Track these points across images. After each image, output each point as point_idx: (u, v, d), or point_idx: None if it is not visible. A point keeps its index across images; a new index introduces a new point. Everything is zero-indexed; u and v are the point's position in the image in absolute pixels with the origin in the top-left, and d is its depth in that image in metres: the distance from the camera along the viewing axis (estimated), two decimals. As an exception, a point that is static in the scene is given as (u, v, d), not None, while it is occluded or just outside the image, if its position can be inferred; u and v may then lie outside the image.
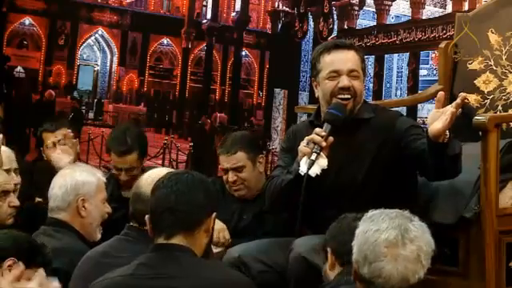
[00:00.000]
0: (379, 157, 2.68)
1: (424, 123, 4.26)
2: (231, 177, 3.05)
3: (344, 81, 2.71)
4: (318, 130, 2.60)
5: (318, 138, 2.57)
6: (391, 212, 1.95)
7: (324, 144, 2.56)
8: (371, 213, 1.98)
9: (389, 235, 1.89)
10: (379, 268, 1.87)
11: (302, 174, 2.54)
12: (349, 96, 2.71)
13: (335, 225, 2.37)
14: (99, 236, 2.76)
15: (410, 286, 1.88)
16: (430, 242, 1.93)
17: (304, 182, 2.54)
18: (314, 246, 2.54)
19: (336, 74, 2.72)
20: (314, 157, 2.55)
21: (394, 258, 1.87)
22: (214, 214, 2.17)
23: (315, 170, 2.55)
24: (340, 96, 2.71)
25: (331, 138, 2.58)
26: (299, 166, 2.58)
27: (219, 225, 2.86)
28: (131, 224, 2.47)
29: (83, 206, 2.68)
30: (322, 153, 2.57)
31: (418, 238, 1.90)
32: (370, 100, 3.76)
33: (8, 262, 2.07)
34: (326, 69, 2.74)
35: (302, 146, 2.60)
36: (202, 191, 2.14)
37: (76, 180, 2.70)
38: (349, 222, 2.31)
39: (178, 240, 2.09)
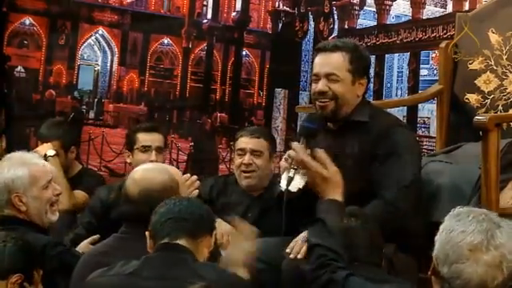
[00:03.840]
0: (365, 161, 2.68)
1: (424, 123, 4.26)
2: (247, 159, 3.07)
3: (319, 85, 2.72)
4: (294, 144, 2.62)
5: (293, 154, 2.58)
6: (479, 214, 1.91)
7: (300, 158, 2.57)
8: (458, 210, 1.95)
9: (474, 239, 1.85)
10: (459, 270, 1.84)
11: (283, 189, 2.56)
12: (326, 100, 2.71)
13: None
14: (54, 217, 2.72)
15: None
16: None
17: (284, 197, 2.55)
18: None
19: (316, 78, 2.74)
20: (291, 173, 2.56)
21: (475, 261, 1.84)
22: (214, 233, 2.20)
23: (296, 185, 2.56)
24: (318, 100, 2.73)
25: (308, 151, 2.59)
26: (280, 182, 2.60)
27: (226, 227, 2.87)
28: (128, 222, 2.47)
29: (20, 202, 2.64)
30: None
31: (504, 245, 1.86)
32: (370, 100, 3.75)
33: (16, 277, 2.12)
34: (312, 71, 2.78)
35: (282, 162, 2.61)
36: (202, 208, 2.18)
37: (4, 178, 2.65)
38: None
39: (181, 242, 2.10)
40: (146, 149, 3.28)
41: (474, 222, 1.88)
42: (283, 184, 2.59)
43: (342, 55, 2.75)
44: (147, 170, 2.47)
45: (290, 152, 2.59)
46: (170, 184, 2.42)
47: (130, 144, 3.34)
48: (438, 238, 1.91)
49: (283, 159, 2.64)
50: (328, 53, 2.75)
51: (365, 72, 2.82)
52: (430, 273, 1.93)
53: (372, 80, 4.62)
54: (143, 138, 3.31)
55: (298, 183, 2.58)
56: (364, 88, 2.81)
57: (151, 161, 3.23)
